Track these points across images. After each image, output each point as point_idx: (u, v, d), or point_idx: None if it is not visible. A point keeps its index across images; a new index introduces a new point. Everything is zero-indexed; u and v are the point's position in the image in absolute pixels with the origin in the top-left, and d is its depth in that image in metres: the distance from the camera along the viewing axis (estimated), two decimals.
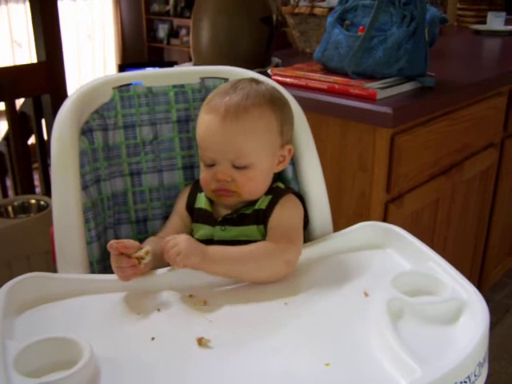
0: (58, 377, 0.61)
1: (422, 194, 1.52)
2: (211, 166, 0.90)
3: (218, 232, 0.94)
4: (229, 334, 0.74)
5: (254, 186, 0.91)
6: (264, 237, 0.92)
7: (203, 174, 0.93)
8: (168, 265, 0.85)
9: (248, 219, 0.93)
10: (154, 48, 5.41)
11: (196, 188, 0.99)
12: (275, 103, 0.92)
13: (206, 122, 0.90)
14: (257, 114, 0.89)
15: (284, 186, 0.98)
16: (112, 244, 0.80)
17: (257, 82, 0.94)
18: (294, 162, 1.03)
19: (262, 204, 0.93)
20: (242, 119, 0.87)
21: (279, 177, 1.01)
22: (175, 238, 0.82)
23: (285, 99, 0.96)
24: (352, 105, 1.33)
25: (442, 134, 1.51)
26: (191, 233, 0.98)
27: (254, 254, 0.85)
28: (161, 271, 0.85)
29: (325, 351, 0.70)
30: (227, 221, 0.93)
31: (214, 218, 0.95)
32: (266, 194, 0.94)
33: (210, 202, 0.96)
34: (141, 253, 0.81)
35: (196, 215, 0.98)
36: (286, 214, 0.92)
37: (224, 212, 0.94)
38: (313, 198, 1.01)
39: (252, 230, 0.92)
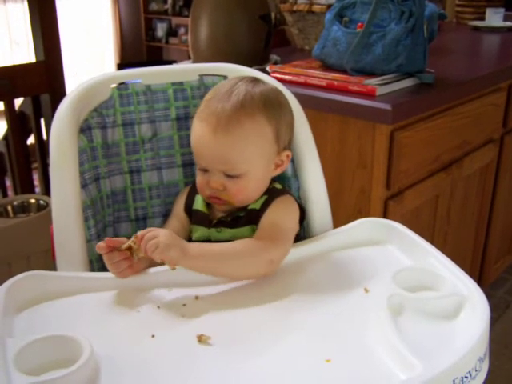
0: (57, 375, 0.61)
1: (422, 191, 1.52)
2: (205, 170, 0.90)
3: (213, 234, 0.94)
4: (229, 331, 0.73)
5: (245, 195, 0.91)
6: None
7: (199, 178, 0.92)
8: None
9: (242, 220, 0.92)
10: (152, 47, 5.41)
11: (194, 189, 0.98)
12: (270, 109, 0.88)
13: (198, 131, 0.89)
14: (249, 124, 0.86)
15: (281, 186, 0.96)
16: (99, 245, 0.80)
17: (254, 83, 0.90)
18: (293, 160, 1.02)
19: (257, 204, 0.92)
20: (233, 132, 0.85)
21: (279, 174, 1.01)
22: (154, 230, 0.80)
23: (283, 100, 0.93)
24: (351, 101, 1.33)
25: (441, 131, 1.51)
26: (190, 234, 0.98)
27: (235, 251, 0.84)
28: (159, 269, 0.84)
29: (325, 347, 0.70)
30: (222, 223, 0.93)
31: (209, 219, 0.95)
32: (262, 194, 0.93)
33: (207, 203, 0.96)
34: (129, 242, 0.80)
35: (194, 217, 0.97)
36: (278, 214, 0.90)
37: (220, 214, 0.94)
38: (313, 195, 1.01)
39: (246, 230, 0.92)
